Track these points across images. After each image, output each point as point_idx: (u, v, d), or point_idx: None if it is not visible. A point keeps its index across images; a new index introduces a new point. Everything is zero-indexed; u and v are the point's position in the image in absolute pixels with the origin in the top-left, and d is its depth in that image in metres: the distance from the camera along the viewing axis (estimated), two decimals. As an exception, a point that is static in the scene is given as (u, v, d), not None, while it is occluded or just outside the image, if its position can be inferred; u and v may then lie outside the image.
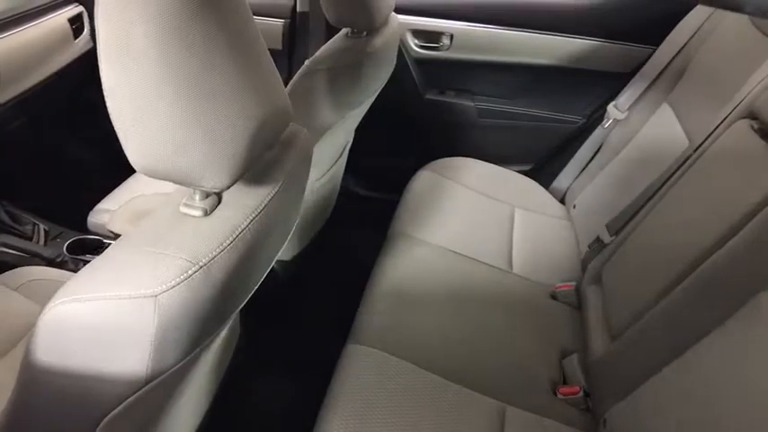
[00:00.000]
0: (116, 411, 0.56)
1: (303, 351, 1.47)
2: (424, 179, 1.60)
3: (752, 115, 1.02)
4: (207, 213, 0.59)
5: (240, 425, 1.31)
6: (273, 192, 0.65)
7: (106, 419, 0.56)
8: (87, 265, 0.55)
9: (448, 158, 1.69)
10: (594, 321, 1.18)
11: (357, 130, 1.50)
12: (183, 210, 0.59)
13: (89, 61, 1.65)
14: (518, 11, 1.62)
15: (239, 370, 1.11)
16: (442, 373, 1.05)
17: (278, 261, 1.37)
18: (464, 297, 1.25)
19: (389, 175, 1.74)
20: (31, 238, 1.44)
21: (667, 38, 1.45)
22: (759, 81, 1.06)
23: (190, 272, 0.52)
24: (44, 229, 1.47)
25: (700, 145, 1.13)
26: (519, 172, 1.73)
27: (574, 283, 1.32)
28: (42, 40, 1.55)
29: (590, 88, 1.66)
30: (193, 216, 0.59)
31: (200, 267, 0.53)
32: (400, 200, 1.53)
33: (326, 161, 1.30)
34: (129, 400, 0.55)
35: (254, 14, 1.53)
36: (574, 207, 1.58)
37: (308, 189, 1.26)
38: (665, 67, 1.44)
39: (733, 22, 1.27)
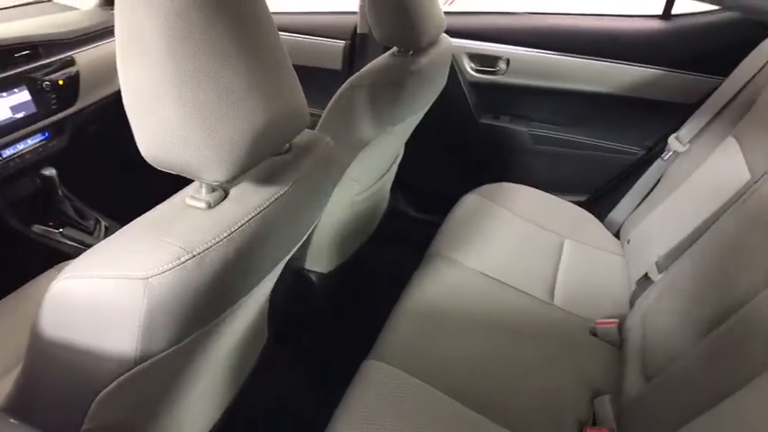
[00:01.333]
0: (110, 388, 0.58)
1: (326, 361, 1.47)
2: (470, 202, 1.58)
3: None
4: (210, 206, 0.61)
5: (251, 425, 1.33)
6: (281, 192, 0.67)
7: (101, 395, 0.59)
8: (95, 246, 0.59)
9: (498, 183, 1.66)
10: (631, 361, 1.11)
11: (409, 150, 1.52)
12: (189, 201, 0.62)
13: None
14: (577, 37, 1.58)
15: (260, 371, 1.12)
16: (461, 400, 1.02)
17: (315, 272, 1.40)
18: (496, 324, 1.22)
19: (439, 197, 1.74)
20: (92, 233, 1.55)
21: (737, 68, 1.36)
22: None
23: (182, 259, 0.54)
24: (105, 226, 1.58)
25: (757, 180, 1.05)
26: (573, 202, 1.67)
27: (616, 320, 1.24)
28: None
29: (651, 118, 1.59)
30: (197, 208, 0.61)
31: (194, 256, 0.55)
32: (444, 221, 1.52)
33: (368, 177, 1.32)
34: (121, 378, 0.58)
35: (317, 35, 1.61)
36: (628, 242, 1.50)
37: (348, 202, 1.29)
38: (732, 99, 1.35)
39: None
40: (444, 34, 1.31)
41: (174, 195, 0.65)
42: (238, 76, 0.56)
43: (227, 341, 0.83)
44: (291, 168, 0.71)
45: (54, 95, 1.47)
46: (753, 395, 0.76)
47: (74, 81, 1.52)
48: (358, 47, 1.72)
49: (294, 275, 1.39)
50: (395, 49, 1.21)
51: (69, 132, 1.55)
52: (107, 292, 0.54)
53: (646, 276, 1.26)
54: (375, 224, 1.60)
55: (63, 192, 1.54)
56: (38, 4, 1.74)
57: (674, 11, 1.53)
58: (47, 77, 1.44)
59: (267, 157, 0.67)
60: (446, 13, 1.29)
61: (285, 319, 1.24)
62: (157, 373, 0.62)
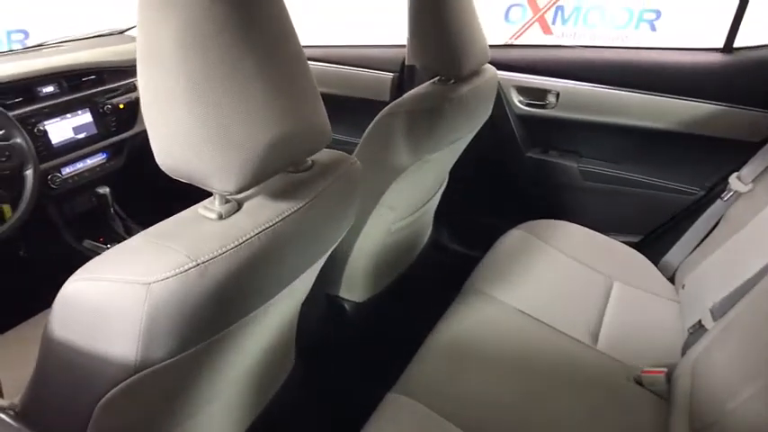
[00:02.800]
0: (111, 395, 0.58)
1: (350, 390, 1.43)
2: (514, 238, 1.52)
3: None
4: (222, 217, 0.62)
5: None
6: (295, 208, 0.66)
7: (102, 401, 0.59)
8: (108, 250, 0.60)
9: (545, 220, 1.60)
10: (679, 413, 1.01)
11: (453, 182, 1.49)
12: (201, 211, 0.63)
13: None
14: (632, 70, 1.53)
15: (283, 396, 1.10)
16: None
17: (349, 301, 1.38)
18: (532, 365, 1.15)
19: (483, 231, 1.69)
20: (139, 252, 1.60)
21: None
22: None
23: (186, 267, 0.54)
24: None
25: None
26: (625, 243, 1.58)
27: (665, 369, 1.15)
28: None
29: (711, 157, 1.49)
30: (209, 218, 0.62)
31: (197, 265, 0.55)
32: (485, 256, 1.47)
33: (405, 205, 1.30)
34: (122, 384, 0.57)
35: (367, 68, 1.63)
36: (683, 287, 1.40)
37: (383, 230, 1.27)
38: (801, 137, 1.26)
39: None
40: (490, 65, 1.30)
41: (191, 207, 0.65)
42: (253, 86, 0.57)
43: (241, 360, 0.81)
44: (310, 186, 0.71)
45: (114, 118, 1.56)
46: None
47: (134, 105, 1.61)
48: (406, 78, 1.73)
49: (327, 302, 1.38)
50: (437, 77, 1.20)
51: (126, 154, 1.63)
52: (111, 294, 0.54)
53: (699, 324, 1.17)
54: (414, 256, 1.57)
55: (115, 209, 1.61)
56: (111, 36, 1.86)
57: (737, 44, 1.45)
58: (109, 101, 1.53)
59: (280, 171, 0.67)
60: (493, 46, 1.28)
61: (313, 347, 1.22)
62: (160, 384, 0.61)
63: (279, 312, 0.88)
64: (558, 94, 1.61)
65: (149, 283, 0.53)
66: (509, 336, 1.22)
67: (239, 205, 0.64)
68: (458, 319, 1.24)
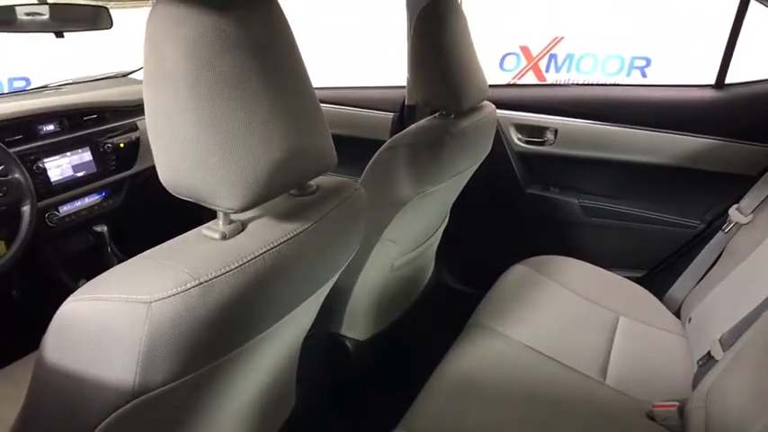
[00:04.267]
0: (107, 422, 0.55)
1: (354, 430, 1.39)
2: (517, 273, 1.51)
3: None
4: (225, 237, 0.61)
5: None
6: (299, 230, 0.66)
7: (99, 428, 0.56)
8: (107, 270, 0.58)
9: (548, 256, 1.59)
10: None
11: (453, 220, 1.49)
12: (205, 231, 0.62)
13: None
14: (628, 107, 1.56)
15: None
16: None
17: (351, 339, 1.35)
18: (539, 401, 1.11)
19: (484, 269, 1.68)
20: (136, 290, 1.57)
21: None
22: None
23: (187, 285, 0.53)
24: None
25: None
26: (628, 278, 1.57)
27: (677, 403, 1.12)
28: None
29: (710, 190, 1.51)
30: (212, 238, 0.61)
31: (200, 284, 0.53)
32: (488, 291, 1.45)
33: (407, 240, 1.29)
34: (120, 411, 0.54)
35: (368, 108, 1.66)
36: (689, 321, 1.38)
37: (386, 265, 1.26)
38: (797, 168, 1.27)
39: None
40: (488, 102, 1.32)
41: (194, 229, 0.64)
42: (259, 105, 0.57)
43: (240, 391, 0.78)
44: (314, 209, 0.70)
45: (114, 157, 1.56)
46: None
47: (134, 145, 1.62)
48: (406, 118, 1.76)
49: (328, 340, 1.35)
50: (437, 113, 1.22)
51: (125, 193, 1.63)
52: (110, 314, 0.52)
53: (709, 355, 1.14)
54: (416, 293, 1.55)
55: (112, 248, 1.59)
56: (116, 78, 1.89)
57: (728, 80, 1.49)
58: (109, 140, 1.54)
59: (285, 191, 0.67)
60: (492, 85, 1.31)
61: (315, 386, 1.18)
62: (158, 412, 0.59)
63: (280, 343, 0.85)
64: (556, 131, 1.64)
65: (150, 302, 0.51)
66: (516, 371, 1.19)
67: (243, 226, 0.63)
68: (463, 354, 1.21)
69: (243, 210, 0.58)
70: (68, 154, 1.45)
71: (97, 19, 1.51)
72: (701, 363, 1.17)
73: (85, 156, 1.49)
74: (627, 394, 1.17)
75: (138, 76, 1.93)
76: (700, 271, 1.47)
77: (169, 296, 0.51)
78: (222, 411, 0.75)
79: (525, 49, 3.13)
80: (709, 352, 1.15)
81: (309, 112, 0.65)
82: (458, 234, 1.56)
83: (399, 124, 1.78)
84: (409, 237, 1.29)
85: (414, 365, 1.34)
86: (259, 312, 0.66)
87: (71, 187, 1.46)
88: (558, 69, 3.11)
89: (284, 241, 0.63)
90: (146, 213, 1.75)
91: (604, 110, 1.57)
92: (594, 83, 1.60)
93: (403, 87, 1.76)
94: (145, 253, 0.59)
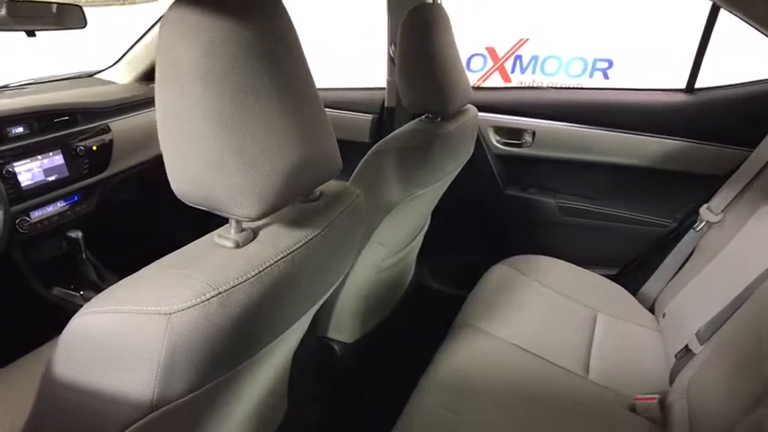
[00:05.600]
0: None
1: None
2: (499, 273, 1.54)
3: None
4: (239, 246, 0.60)
5: None
6: (310, 236, 0.66)
7: None
8: (118, 282, 0.56)
9: (526, 256, 1.63)
10: None
11: (434, 222, 1.51)
12: (217, 240, 0.61)
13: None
14: (603, 110, 1.61)
15: None
16: None
17: (338, 342, 1.35)
18: (529, 397, 1.15)
19: (465, 270, 1.71)
20: (113, 297, 1.53)
21: (765, 139, 1.36)
22: None
23: (207, 295, 0.52)
24: None
25: None
26: (603, 276, 1.62)
27: (657, 396, 1.16)
28: (156, 124, 1.74)
29: (680, 190, 1.57)
30: (225, 247, 0.60)
31: (219, 293, 0.53)
32: (472, 292, 1.48)
33: (395, 242, 1.30)
34: (137, 424, 0.53)
35: (348, 110, 1.65)
36: (663, 316, 1.44)
37: (374, 267, 1.26)
38: (763, 169, 1.34)
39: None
40: (471, 105, 1.34)
41: (204, 237, 0.64)
42: (273, 112, 0.57)
43: (246, 400, 0.78)
44: (321, 215, 0.70)
45: (87, 160, 1.51)
46: None
47: (107, 148, 1.57)
48: (386, 120, 1.77)
49: (316, 343, 1.35)
50: (424, 115, 1.23)
51: (98, 197, 1.58)
52: (127, 327, 0.51)
53: (686, 349, 1.20)
54: (399, 295, 1.56)
55: (87, 255, 1.54)
56: (81, 79, 1.83)
57: (698, 84, 1.56)
58: (81, 143, 1.49)
59: (298, 197, 0.67)
60: (472, 88, 1.33)
61: (305, 390, 1.18)
62: (175, 424, 0.57)
63: (285, 349, 0.85)
64: (533, 134, 1.67)
65: (170, 314, 0.50)
66: (505, 369, 1.21)
67: (255, 234, 0.63)
68: (453, 354, 1.23)
69: (260, 218, 0.57)
70: (39, 157, 1.39)
71: (68, 17, 1.45)
72: (678, 356, 1.22)
73: (57, 159, 1.44)
74: (609, 388, 1.22)
75: (105, 75, 1.87)
76: (672, 268, 1.53)
77: (188, 307, 0.51)
78: (230, 419, 0.75)
79: (491, 51, 3.17)
80: (686, 346, 1.20)
81: (318, 119, 0.65)
82: (438, 235, 1.58)
83: (379, 126, 1.79)
84: (396, 239, 1.30)
85: (401, 366, 1.35)
86: (274, 320, 0.65)
87: (42, 192, 1.40)
88: (523, 71, 3.16)
89: (297, 248, 0.63)
90: (120, 218, 1.71)
91: (580, 113, 1.62)
92: (570, 86, 1.65)
93: (383, 89, 1.77)
94: (157, 264, 0.58)
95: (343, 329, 1.34)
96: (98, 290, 1.52)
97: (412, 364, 1.27)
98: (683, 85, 1.57)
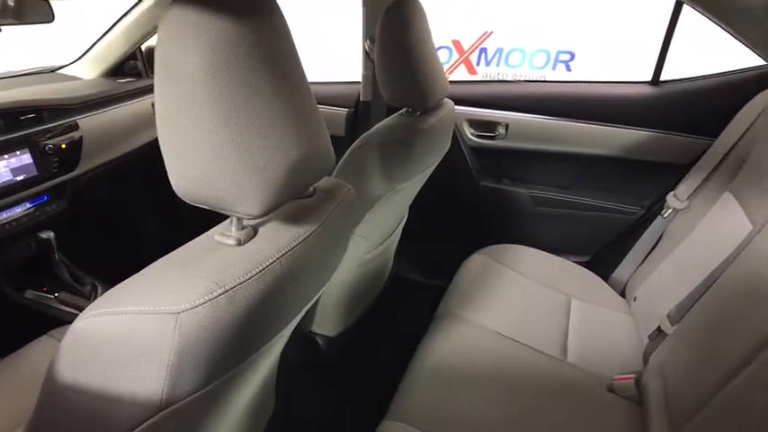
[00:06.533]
0: None
1: (336, 428, 1.40)
2: (477, 263, 1.58)
3: None
4: (240, 243, 0.60)
5: None
6: (309, 232, 0.66)
7: None
8: (121, 283, 0.56)
9: (503, 245, 1.67)
10: (655, 414, 1.08)
11: (411, 215, 1.52)
12: (218, 238, 0.61)
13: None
14: (573, 102, 1.66)
15: None
16: None
17: (322, 336, 1.36)
18: (512, 381, 1.19)
19: (442, 261, 1.74)
20: (89, 298, 1.49)
21: (726, 129, 1.43)
22: None
23: (215, 293, 0.52)
24: (102, 291, 1.53)
25: (759, 230, 1.07)
26: (576, 263, 1.68)
27: (633, 375, 1.22)
28: (126, 120, 1.71)
29: (647, 178, 1.64)
30: (227, 245, 0.60)
31: (226, 291, 0.53)
32: (452, 282, 1.51)
33: (377, 235, 1.31)
34: (145, 425, 0.53)
35: (322, 104, 1.64)
36: (634, 299, 1.50)
37: (356, 261, 1.28)
38: (725, 157, 1.41)
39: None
40: (447, 99, 1.36)
41: (202, 235, 0.64)
42: (273, 110, 0.57)
43: (244, 397, 0.78)
44: (317, 211, 0.71)
45: (56, 159, 1.46)
46: None
47: (76, 145, 1.52)
48: (361, 114, 1.77)
49: (300, 338, 1.35)
50: (404, 109, 1.25)
51: (68, 196, 1.54)
52: (135, 328, 0.51)
53: (659, 330, 1.25)
54: (380, 288, 1.58)
55: (59, 256, 1.50)
56: (43, 74, 1.77)
57: (662, 77, 1.63)
58: (50, 141, 1.44)
59: (299, 193, 0.67)
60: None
61: (291, 385, 1.18)
62: (181, 422, 0.58)
63: (281, 344, 0.86)
64: (507, 126, 1.71)
65: (178, 313, 0.50)
66: (488, 355, 1.25)
67: (255, 231, 0.63)
68: (438, 343, 1.26)
69: (263, 215, 0.58)
70: (6, 156, 1.34)
71: (34, 11, 1.40)
72: (651, 337, 1.28)
73: (25, 158, 1.39)
74: (587, 370, 1.27)
75: (68, 71, 1.82)
76: (641, 253, 1.60)
77: (197, 306, 0.51)
78: (229, 416, 0.75)
79: (457, 43, 3.20)
80: (659, 327, 1.26)
81: (313, 116, 0.66)
82: (415, 228, 1.60)
83: (354, 120, 1.79)
84: (378, 232, 1.32)
85: (385, 356, 1.37)
86: (277, 316, 0.66)
87: (10, 192, 1.35)
88: (488, 63, 3.19)
89: (297, 244, 0.64)
90: (93, 217, 1.66)
91: (552, 105, 1.67)
92: (542, 80, 1.70)
93: (357, 83, 1.77)
94: (158, 263, 0.58)
95: (326, 323, 1.35)
96: (74, 291, 1.49)
97: (395, 354, 1.29)
98: (643, 76, 1.63)
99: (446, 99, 1.34)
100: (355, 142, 1.14)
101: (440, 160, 1.36)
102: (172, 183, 0.58)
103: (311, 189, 0.75)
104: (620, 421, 1.14)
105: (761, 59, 1.45)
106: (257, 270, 0.57)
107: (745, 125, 1.38)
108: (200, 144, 0.54)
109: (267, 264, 0.58)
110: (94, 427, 0.54)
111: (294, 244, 0.63)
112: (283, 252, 0.61)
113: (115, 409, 0.52)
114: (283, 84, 0.59)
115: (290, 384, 1.18)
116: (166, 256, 0.59)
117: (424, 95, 1.17)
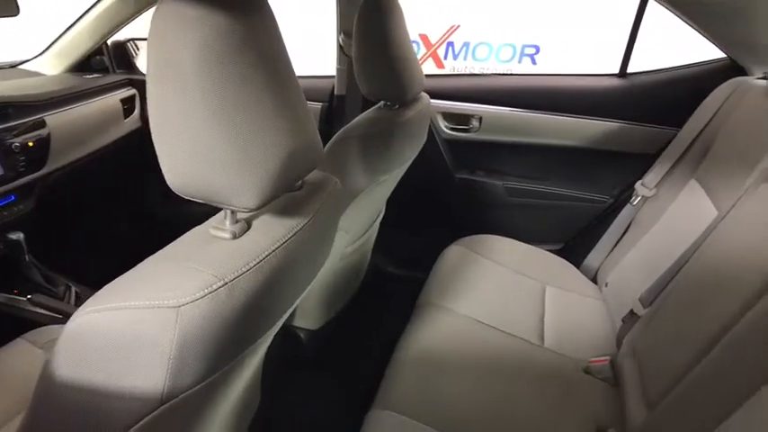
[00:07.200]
0: (134, 430, 0.53)
1: (324, 419, 1.41)
2: (454, 253, 1.61)
3: None
4: (235, 237, 0.61)
5: None
6: (301, 225, 0.67)
7: None
8: (116, 278, 0.55)
9: (478, 236, 1.70)
10: (631, 393, 1.12)
11: (388, 208, 1.54)
12: (213, 232, 0.61)
13: (137, 140, 1.76)
14: (544, 95, 1.70)
15: None
16: None
17: (304, 329, 1.36)
18: (494, 367, 1.22)
19: (419, 253, 1.76)
20: (62, 299, 1.46)
21: (690, 119, 1.49)
22: None
23: (214, 286, 0.53)
24: (76, 292, 1.50)
25: (724, 216, 1.13)
26: (549, 251, 1.73)
27: (608, 357, 1.26)
28: (95, 116, 1.67)
29: (616, 168, 1.70)
30: (222, 238, 0.60)
31: (225, 284, 0.54)
32: (430, 272, 1.53)
33: (357, 228, 1.32)
34: (146, 419, 0.53)
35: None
36: (606, 285, 1.55)
37: (339, 254, 1.28)
38: (690, 146, 1.47)
39: (753, 99, 1.31)
40: (423, 92, 1.38)
41: (194, 229, 0.64)
42: (266, 103, 0.58)
43: (237, 390, 0.78)
44: (308, 203, 0.72)
45: (23, 157, 1.42)
46: (753, 410, 0.78)
47: (44, 143, 1.48)
48: (336, 108, 1.78)
49: (282, 332, 1.35)
50: (381, 103, 1.26)
51: (37, 196, 1.49)
52: (135, 323, 0.50)
53: (632, 312, 1.30)
54: (359, 281, 1.59)
55: (29, 258, 1.46)
56: (2, 70, 1.71)
57: (630, 69, 1.68)
58: (16, 139, 1.40)
59: (292, 185, 0.68)
60: None
61: (276, 379, 1.19)
62: (181, 415, 0.58)
63: (272, 336, 0.86)
64: (480, 119, 1.74)
65: (179, 306, 0.50)
66: (469, 342, 1.28)
67: (248, 224, 0.64)
68: (420, 332, 1.28)
69: (258, 208, 0.58)
70: (-30, 155, 1.30)
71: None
72: (625, 320, 1.32)
73: (-11, 157, 1.35)
74: (564, 354, 1.31)
75: (30, 66, 1.77)
76: (612, 241, 1.65)
77: (197, 299, 0.51)
78: (223, 410, 0.75)
79: (424, 37, 3.22)
80: (631, 310, 1.30)
81: (303, 109, 0.66)
82: (392, 221, 1.62)
83: (329, 114, 1.79)
84: (358, 225, 1.33)
85: (368, 347, 1.38)
86: (273, 308, 0.67)
87: (-25, 193, 1.32)
88: (455, 57, 3.23)
89: (291, 236, 0.64)
90: (63, 217, 1.62)
91: (524, 98, 1.70)
92: (515, 73, 1.74)
93: (332, 77, 1.77)
94: (153, 257, 0.58)
95: (307, 316, 1.35)
96: (47, 293, 1.45)
97: (377, 345, 1.31)
98: (605, 68, 1.68)
99: (422, 93, 1.36)
100: (336, 135, 1.15)
101: (417, 153, 1.38)
102: (166, 177, 0.58)
103: (300, 182, 0.75)
104: (598, 401, 1.18)
105: (722, 52, 1.51)
106: (254, 262, 0.57)
107: (708, 115, 1.44)
108: (195, 138, 0.54)
109: (264, 256, 0.59)
110: (94, 425, 0.53)
111: (288, 236, 0.64)
112: (278, 244, 0.62)
113: (115, 406, 0.52)
114: (274, 77, 0.60)
115: (277, 379, 1.18)
116: (161, 250, 0.59)
117: (402, 89, 1.18)
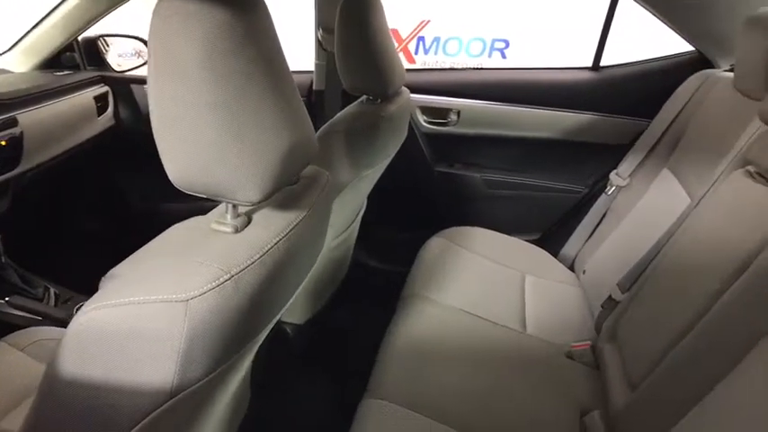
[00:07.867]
0: (142, 425, 0.53)
1: (314, 410, 1.42)
2: (435, 245, 1.63)
3: (746, 165, 1.08)
4: (237, 231, 0.61)
5: None
6: (300, 217, 0.68)
7: None
8: (119, 274, 0.55)
9: (458, 228, 1.73)
10: (613, 375, 1.16)
11: (369, 202, 1.55)
12: (215, 226, 0.61)
13: (110, 137, 1.73)
14: (520, 88, 1.74)
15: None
16: (460, 429, 1.03)
17: (290, 324, 1.36)
18: (480, 355, 1.25)
19: (400, 246, 1.78)
20: (41, 301, 1.43)
21: (662, 110, 1.54)
22: (749, 136, 1.14)
23: (221, 279, 0.53)
24: (55, 293, 1.47)
25: (697, 204, 1.17)
26: (527, 241, 1.77)
27: (589, 342, 1.31)
28: (68, 115, 1.63)
29: (591, 159, 1.75)
30: (224, 232, 0.61)
31: (232, 277, 0.54)
32: (413, 264, 1.55)
33: (341, 223, 1.33)
34: (155, 413, 0.53)
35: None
36: (584, 273, 1.60)
37: (325, 247, 1.29)
38: (662, 136, 1.52)
39: (720, 91, 1.36)
40: (404, 87, 1.39)
41: (191, 220, 0.64)
42: (266, 98, 0.58)
43: (230, 389, 0.79)
44: (305, 197, 0.73)
45: (-4, 157, 1.38)
46: (729, 390, 0.83)
47: (17, 142, 1.44)
48: (315, 103, 1.77)
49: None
50: (364, 97, 1.27)
51: (11, 196, 1.46)
52: (143, 317, 0.50)
53: (610, 298, 1.34)
54: (343, 274, 1.60)
55: (5, 259, 1.42)
56: (-31, 67, 1.66)
57: (602, 63, 1.73)
58: (-13, 138, 1.36)
59: (291, 179, 0.69)
60: None
61: (264, 375, 1.19)
62: (187, 409, 0.58)
63: (266, 333, 0.87)
64: (458, 112, 1.77)
65: (188, 300, 0.50)
66: (456, 332, 1.30)
67: (249, 218, 0.64)
68: (407, 322, 1.30)
69: (261, 201, 0.59)
70: (-60, 155, 1.26)
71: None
72: (604, 306, 1.37)
73: (-40, 156, 1.31)
74: (546, 340, 1.34)
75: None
76: (588, 230, 1.70)
77: (205, 292, 0.51)
78: (222, 404, 0.76)
79: (395, 32, 3.23)
80: (610, 295, 1.35)
81: (298, 103, 0.67)
82: (373, 215, 1.63)
83: (308, 109, 1.78)
84: (342, 219, 1.33)
85: (355, 339, 1.39)
86: (277, 300, 0.68)
87: (-54, 194, 1.28)
88: (426, 52, 3.24)
89: (291, 229, 0.65)
90: (37, 217, 1.59)
91: (501, 91, 1.73)
92: (491, 67, 1.77)
93: (310, 72, 1.77)
94: (155, 253, 0.58)
95: (293, 311, 1.36)
96: (26, 294, 1.42)
97: (363, 337, 1.32)
98: (576, 62, 1.73)
99: (403, 87, 1.38)
100: (321, 129, 1.16)
101: (399, 147, 1.40)
102: (168, 173, 0.58)
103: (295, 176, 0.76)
104: (581, 385, 1.22)
105: (690, 45, 1.57)
106: (258, 255, 0.58)
107: (678, 106, 1.49)
108: (197, 134, 0.54)
109: (267, 249, 0.60)
110: (101, 423, 0.53)
111: (289, 229, 0.65)
112: (280, 237, 0.63)
113: (123, 402, 0.52)
114: (273, 73, 0.60)
115: (265, 375, 1.18)
116: (163, 243, 0.59)
117: (384, 83, 1.19)
